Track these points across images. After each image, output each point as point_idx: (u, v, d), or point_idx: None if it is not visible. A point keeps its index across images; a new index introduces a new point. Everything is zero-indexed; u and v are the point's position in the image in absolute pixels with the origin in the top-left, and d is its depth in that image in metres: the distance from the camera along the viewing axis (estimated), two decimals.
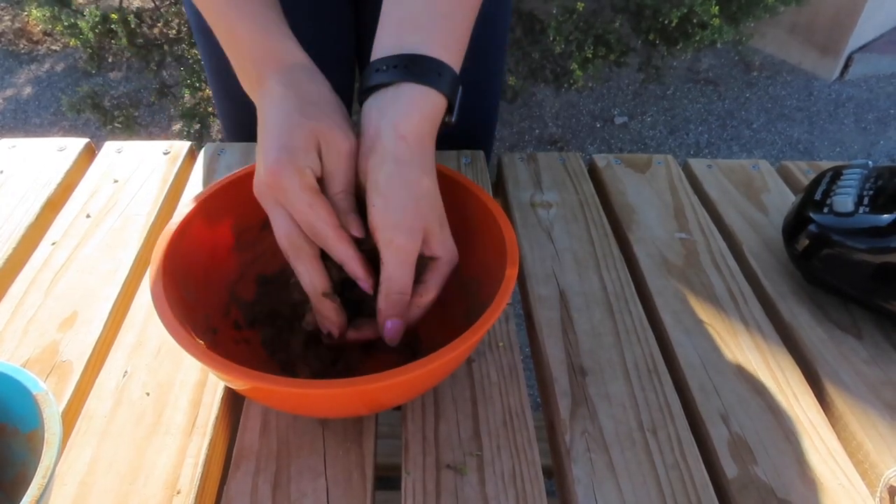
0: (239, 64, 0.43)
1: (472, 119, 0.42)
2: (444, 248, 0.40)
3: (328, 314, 0.40)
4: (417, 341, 0.47)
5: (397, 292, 0.38)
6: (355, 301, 0.43)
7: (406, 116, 0.39)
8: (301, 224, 0.38)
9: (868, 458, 0.42)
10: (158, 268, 0.39)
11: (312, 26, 0.68)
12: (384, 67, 0.40)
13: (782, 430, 0.43)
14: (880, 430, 0.43)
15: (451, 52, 0.41)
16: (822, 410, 0.45)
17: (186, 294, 0.41)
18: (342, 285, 0.41)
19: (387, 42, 0.41)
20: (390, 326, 0.39)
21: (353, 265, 0.39)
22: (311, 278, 0.39)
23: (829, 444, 0.42)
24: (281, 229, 0.38)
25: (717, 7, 1.46)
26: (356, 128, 0.41)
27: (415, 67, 0.39)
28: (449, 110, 0.41)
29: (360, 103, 0.42)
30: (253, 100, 0.42)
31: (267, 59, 0.41)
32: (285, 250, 0.39)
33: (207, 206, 0.44)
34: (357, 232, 0.38)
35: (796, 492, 0.40)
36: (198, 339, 0.37)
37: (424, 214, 0.38)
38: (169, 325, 0.36)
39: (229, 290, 0.47)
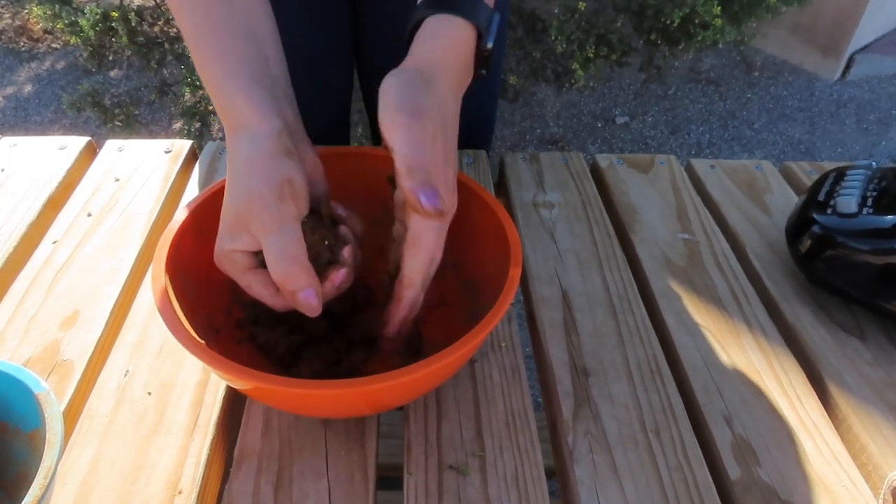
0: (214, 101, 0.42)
1: (471, 117, 0.42)
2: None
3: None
4: (420, 342, 0.46)
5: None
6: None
7: (420, 45, 0.39)
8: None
9: (872, 460, 0.42)
10: (161, 267, 0.39)
11: (311, 25, 0.68)
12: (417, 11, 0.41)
13: (785, 431, 0.43)
14: (884, 431, 0.43)
15: None
16: (825, 412, 0.45)
17: (188, 293, 0.41)
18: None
19: None
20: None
21: (312, 313, 0.38)
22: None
23: (832, 446, 0.42)
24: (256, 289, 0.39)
25: (719, 7, 1.46)
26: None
27: (435, 2, 0.40)
28: (482, 36, 0.40)
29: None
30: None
31: (227, 115, 0.40)
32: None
33: (210, 204, 0.44)
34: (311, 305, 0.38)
35: (799, 494, 0.39)
36: (199, 339, 0.37)
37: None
38: (171, 324, 0.36)
39: (231, 289, 0.46)
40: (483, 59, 0.41)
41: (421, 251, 0.38)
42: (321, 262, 0.39)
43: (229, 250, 0.37)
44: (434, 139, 0.37)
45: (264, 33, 0.41)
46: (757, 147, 2.18)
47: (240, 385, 0.35)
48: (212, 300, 0.44)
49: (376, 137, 0.86)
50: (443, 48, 0.40)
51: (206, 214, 0.44)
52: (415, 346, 0.46)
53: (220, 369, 0.33)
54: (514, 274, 0.39)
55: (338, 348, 0.46)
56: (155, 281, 0.38)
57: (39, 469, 0.30)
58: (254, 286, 0.38)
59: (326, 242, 0.39)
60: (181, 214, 0.42)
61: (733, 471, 0.41)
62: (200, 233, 0.43)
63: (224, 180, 0.45)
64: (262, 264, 0.37)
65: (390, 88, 0.38)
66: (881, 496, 0.39)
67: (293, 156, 0.37)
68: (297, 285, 0.36)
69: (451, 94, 0.39)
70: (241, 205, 0.36)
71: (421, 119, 0.37)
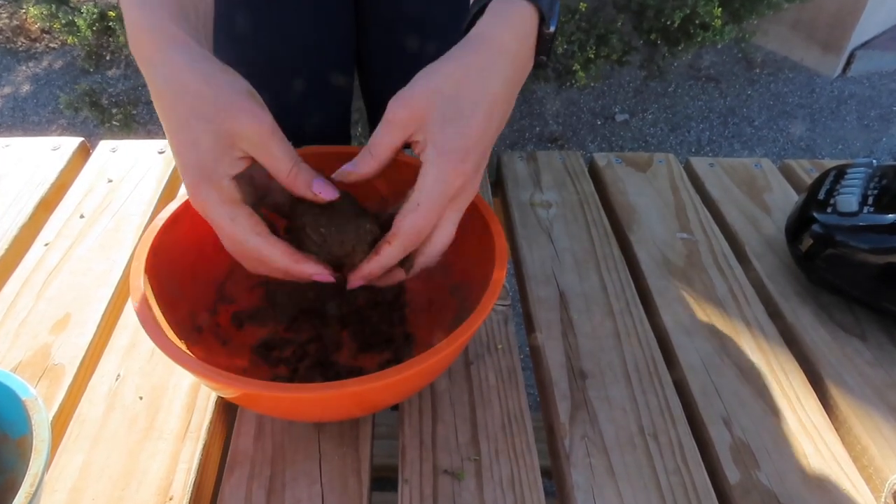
0: (132, 32, 0.37)
1: None
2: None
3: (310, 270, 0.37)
4: (411, 343, 0.46)
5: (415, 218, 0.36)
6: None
7: (486, 25, 0.38)
8: (227, 239, 0.36)
9: (873, 462, 0.41)
10: (140, 265, 0.38)
11: (312, 24, 0.67)
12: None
13: (785, 433, 0.42)
14: (885, 433, 0.42)
15: None
16: (825, 413, 0.44)
17: (171, 292, 0.40)
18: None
19: None
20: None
21: (294, 269, 0.36)
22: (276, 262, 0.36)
23: (832, 448, 0.42)
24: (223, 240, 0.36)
25: (719, 9, 1.45)
26: None
27: None
28: (545, 20, 0.39)
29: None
30: (143, 70, 0.36)
31: (162, 31, 0.35)
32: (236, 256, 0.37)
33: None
34: (326, 193, 0.36)
35: (800, 497, 0.39)
36: (179, 339, 0.36)
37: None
38: (150, 328, 0.35)
39: (217, 288, 0.46)
40: (544, 44, 0.40)
41: (416, 215, 0.35)
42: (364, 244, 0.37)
43: (220, 177, 0.33)
44: (466, 170, 0.36)
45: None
46: (757, 144, 2.17)
47: (227, 394, 0.35)
48: (197, 298, 0.43)
49: None
50: (507, 30, 0.38)
51: (191, 212, 0.44)
52: (405, 348, 0.46)
53: (205, 377, 0.33)
54: (499, 276, 0.38)
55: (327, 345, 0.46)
56: (133, 281, 0.37)
57: (25, 477, 0.30)
58: (238, 218, 0.34)
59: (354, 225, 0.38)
60: (167, 211, 0.42)
61: (732, 474, 0.40)
62: (187, 230, 0.42)
63: None
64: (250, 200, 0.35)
65: (438, 96, 0.36)
66: (882, 499, 0.39)
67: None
68: (306, 177, 0.34)
69: (505, 85, 0.38)
70: (195, 107, 0.32)
71: (464, 163, 0.35)
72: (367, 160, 0.37)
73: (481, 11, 0.39)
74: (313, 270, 0.36)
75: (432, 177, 0.35)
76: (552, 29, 0.39)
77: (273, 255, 0.35)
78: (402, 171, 0.39)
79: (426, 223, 0.36)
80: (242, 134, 0.33)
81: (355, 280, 0.38)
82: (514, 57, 0.38)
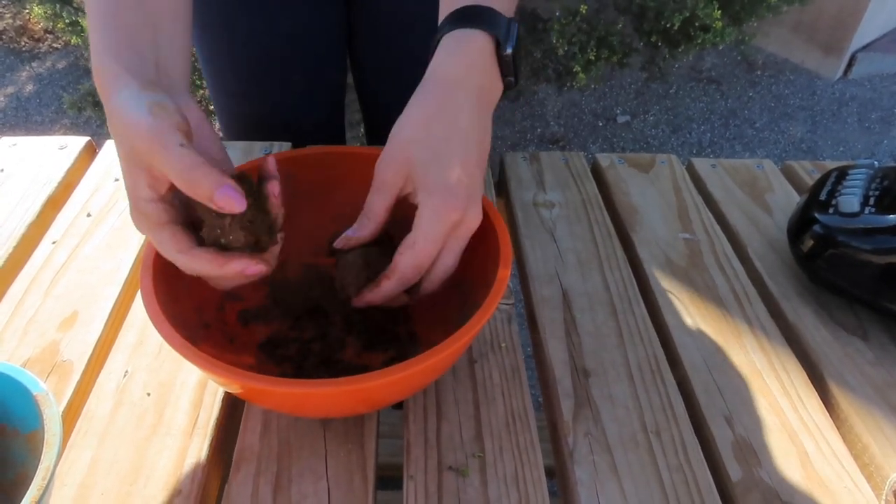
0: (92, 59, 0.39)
1: None
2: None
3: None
4: (415, 342, 0.46)
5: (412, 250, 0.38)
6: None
7: (438, 64, 0.40)
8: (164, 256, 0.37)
9: (874, 460, 0.41)
10: (148, 263, 0.39)
11: (303, 18, 0.68)
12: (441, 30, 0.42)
13: (787, 432, 0.43)
14: (886, 432, 0.43)
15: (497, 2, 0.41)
16: (826, 412, 0.44)
17: (178, 289, 0.40)
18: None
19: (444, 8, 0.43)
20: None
21: (225, 272, 0.36)
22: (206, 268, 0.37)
23: (833, 447, 0.42)
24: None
25: (718, 12, 1.45)
26: None
27: (452, 18, 0.41)
28: (501, 44, 0.41)
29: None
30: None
31: (106, 72, 0.37)
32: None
33: None
34: (228, 205, 0.34)
35: (801, 495, 0.39)
36: (187, 336, 0.37)
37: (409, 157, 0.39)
38: (160, 325, 0.35)
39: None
40: (506, 66, 0.41)
41: (413, 252, 0.38)
42: (262, 245, 0.38)
43: (141, 201, 0.35)
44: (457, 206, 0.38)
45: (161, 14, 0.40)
46: (758, 146, 2.18)
47: (234, 389, 0.35)
48: (203, 296, 0.43)
49: (371, 136, 0.86)
50: (458, 65, 0.40)
51: None
52: (410, 346, 0.46)
53: (212, 372, 0.33)
54: (503, 275, 0.39)
55: (331, 346, 0.47)
56: (143, 278, 0.38)
57: (38, 470, 0.30)
58: (162, 241, 0.36)
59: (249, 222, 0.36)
60: None
61: (734, 471, 0.40)
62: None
63: None
64: (177, 219, 0.36)
65: (409, 144, 0.38)
66: (883, 497, 0.39)
67: (157, 88, 0.36)
68: (207, 185, 0.33)
69: (472, 116, 0.40)
70: (123, 145, 0.35)
71: (455, 198, 0.37)
72: (366, 224, 0.40)
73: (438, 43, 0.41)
74: (240, 266, 0.36)
75: (426, 217, 0.37)
76: (508, 52, 0.41)
77: (200, 268, 0.36)
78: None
79: (423, 260, 0.38)
80: (147, 158, 0.34)
81: (358, 303, 0.41)
82: (472, 88, 0.40)
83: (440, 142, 0.38)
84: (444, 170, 0.38)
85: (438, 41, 0.41)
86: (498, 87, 0.42)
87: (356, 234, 0.41)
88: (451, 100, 0.39)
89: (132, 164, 0.35)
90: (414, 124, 0.39)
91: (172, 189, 0.35)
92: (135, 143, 0.34)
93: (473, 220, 0.39)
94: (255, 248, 0.37)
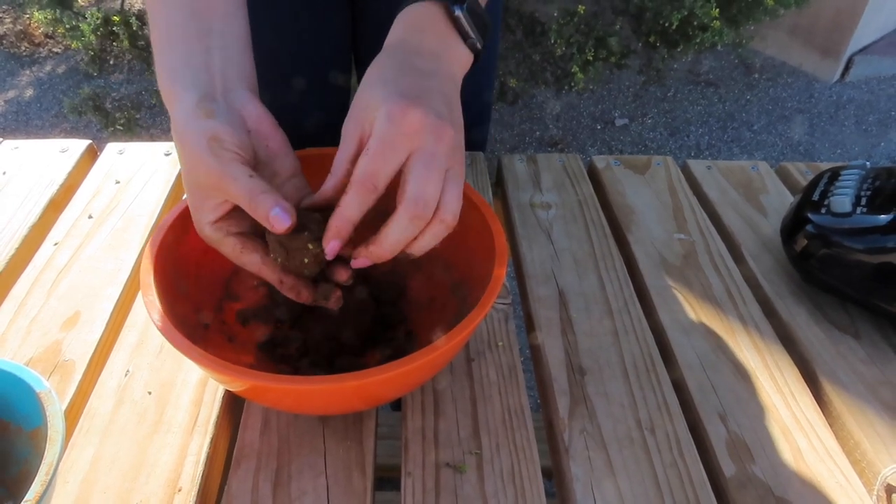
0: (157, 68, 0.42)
1: (465, 117, 0.42)
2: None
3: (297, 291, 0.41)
4: (412, 340, 0.47)
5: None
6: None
7: (392, 37, 0.41)
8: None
9: (865, 456, 0.42)
10: (150, 262, 0.39)
11: (309, 20, 0.69)
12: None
13: (780, 429, 0.43)
14: (877, 429, 0.43)
15: None
16: (819, 409, 0.45)
17: (179, 289, 0.41)
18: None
19: None
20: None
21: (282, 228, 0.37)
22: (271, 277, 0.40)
23: (826, 443, 0.43)
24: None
25: (717, 10, 1.46)
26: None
27: None
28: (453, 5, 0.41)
29: None
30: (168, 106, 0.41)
31: (169, 91, 0.40)
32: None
33: None
34: (279, 225, 0.37)
35: (794, 490, 0.40)
36: (188, 336, 0.37)
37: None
38: (161, 324, 0.36)
39: (223, 286, 0.47)
40: (461, 28, 0.41)
41: (368, 158, 0.36)
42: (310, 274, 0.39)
43: (204, 224, 0.38)
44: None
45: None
46: (756, 149, 2.19)
47: (236, 386, 0.36)
48: (203, 296, 0.44)
49: None
50: (404, 30, 0.41)
51: None
52: (407, 344, 0.47)
53: (213, 370, 0.34)
54: (499, 273, 0.39)
55: (332, 349, 0.47)
56: (143, 278, 0.39)
57: (41, 466, 0.31)
58: (248, 264, 0.39)
59: (310, 247, 0.38)
60: (175, 210, 0.43)
61: (728, 467, 0.41)
62: (191, 230, 0.43)
63: None
64: (242, 233, 0.39)
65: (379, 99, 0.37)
66: (874, 492, 0.40)
67: (213, 114, 0.38)
68: (264, 208, 0.36)
69: (423, 70, 0.39)
70: (189, 176, 0.38)
71: (413, 107, 0.36)
72: (329, 179, 0.39)
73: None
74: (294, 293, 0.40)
75: (380, 120, 0.35)
76: (457, 13, 0.41)
77: (256, 271, 0.40)
78: None
79: (379, 166, 0.35)
80: (214, 193, 0.37)
81: (332, 251, 0.38)
82: (427, 54, 0.40)
83: (393, 73, 0.38)
84: (400, 85, 0.37)
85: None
86: (459, 52, 0.42)
87: (323, 189, 0.39)
88: (401, 60, 0.39)
89: (195, 191, 0.38)
90: (367, 79, 0.38)
91: (236, 208, 0.38)
92: (200, 180, 0.37)
93: (448, 135, 0.37)
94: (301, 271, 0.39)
